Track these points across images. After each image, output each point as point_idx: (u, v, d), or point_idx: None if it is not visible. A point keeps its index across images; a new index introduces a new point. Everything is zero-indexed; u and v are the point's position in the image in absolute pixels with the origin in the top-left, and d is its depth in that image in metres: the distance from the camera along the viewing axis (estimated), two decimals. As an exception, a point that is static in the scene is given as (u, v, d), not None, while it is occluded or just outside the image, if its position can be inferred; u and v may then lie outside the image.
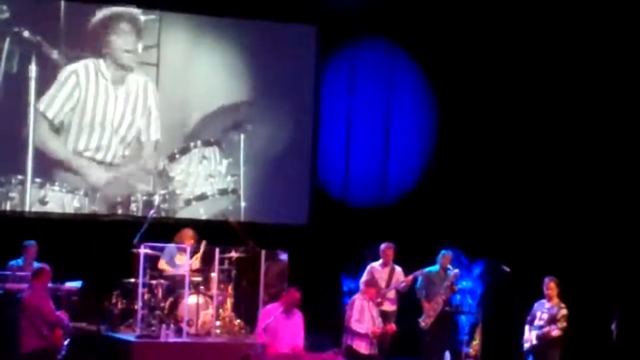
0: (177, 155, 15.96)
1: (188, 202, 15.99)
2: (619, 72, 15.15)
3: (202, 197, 16.06)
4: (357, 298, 12.73)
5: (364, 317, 12.57)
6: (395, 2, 16.16)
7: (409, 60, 16.65)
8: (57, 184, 15.30)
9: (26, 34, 15.06)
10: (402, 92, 16.82)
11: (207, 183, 16.15)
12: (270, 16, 16.07)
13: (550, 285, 12.61)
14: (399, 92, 16.82)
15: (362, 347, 12.55)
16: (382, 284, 13.66)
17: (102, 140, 15.49)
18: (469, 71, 16.20)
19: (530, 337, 12.63)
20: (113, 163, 15.57)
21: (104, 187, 15.54)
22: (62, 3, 15.28)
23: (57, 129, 15.30)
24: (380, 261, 13.86)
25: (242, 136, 16.27)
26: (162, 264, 13.89)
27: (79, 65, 15.41)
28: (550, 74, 15.67)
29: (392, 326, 12.88)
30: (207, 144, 16.14)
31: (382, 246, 13.86)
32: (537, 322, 12.56)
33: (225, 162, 16.24)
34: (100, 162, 15.50)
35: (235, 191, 16.23)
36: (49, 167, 15.28)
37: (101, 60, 15.52)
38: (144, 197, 15.63)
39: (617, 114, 15.19)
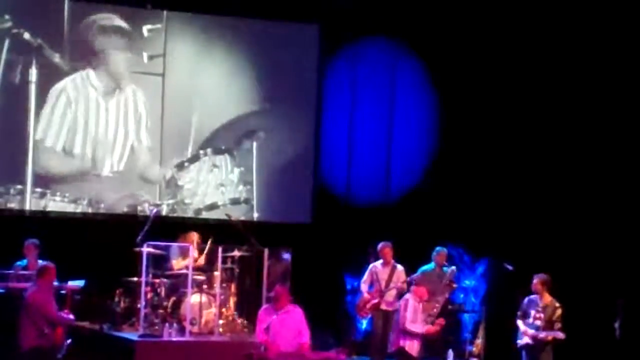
0: (186, 164, 15.86)
1: (198, 212, 15.86)
2: (621, 71, 15.13)
3: (212, 207, 15.93)
4: (409, 298, 12.69)
5: (418, 317, 12.54)
6: (398, 1, 16.16)
7: (411, 58, 16.64)
8: (58, 194, 15.17)
9: (26, 36, 14.95)
10: (404, 91, 16.80)
11: (218, 192, 16.03)
12: (272, 16, 16.06)
13: (534, 282, 12.55)
14: (401, 90, 16.80)
15: (414, 349, 12.52)
16: (383, 284, 13.65)
17: (99, 153, 15.35)
18: (471, 70, 16.18)
19: (525, 333, 12.53)
20: (113, 175, 15.44)
21: (107, 199, 15.46)
22: (66, 7, 15.18)
23: (56, 150, 15.19)
24: (381, 260, 13.83)
25: (254, 144, 16.20)
26: (177, 264, 13.86)
27: (66, 82, 15.22)
28: (553, 72, 15.65)
29: (441, 320, 12.87)
30: (218, 152, 16.01)
31: (380, 246, 13.81)
32: (532, 321, 12.47)
33: (237, 170, 16.15)
34: (100, 175, 15.38)
35: (247, 201, 16.11)
36: (49, 179, 15.16)
37: (91, 71, 15.34)
38: (151, 207, 15.37)
39: (619, 113, 15.17)
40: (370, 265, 13.86)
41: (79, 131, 15.30)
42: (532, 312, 12.49)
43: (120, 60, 15.52)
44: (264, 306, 12.38)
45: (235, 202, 16.06)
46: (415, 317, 12.54)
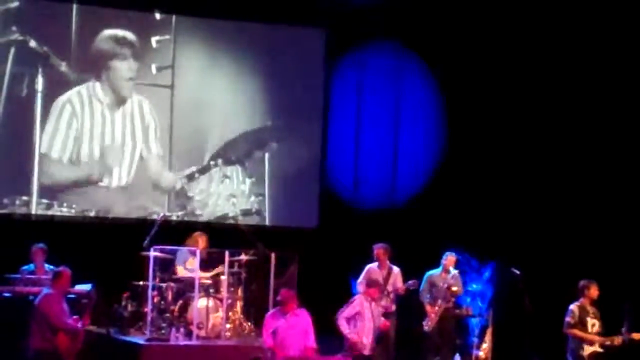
0: (196, 175, 15.81)
1: (208, 224, 15.77)
2: (634, 72, 15.13)
3: (223, 218, 15.89)
4: (357, 298, 12.71)
5: (363, 316, 12.51)
6: (404, 5, 16.18)
7: (418, 63, 16.67)
8: (65, 204, 15.14)
9: (33, 44, 14.90)
10: (411, 95, 16.83)
11: (229, 203, 15.98)
12: (279, 20, 16.07)
13: (591, 288, 12.24)
14: (408, 95, 16.83)
15: (359, 347, 12.57)
16: (379, 285, 13.64)
17: (107, 165, 15.32)
18: (478, 74, 16.20)
19: (593, 341, 12.12)
20: (122, 186, 15.42)
21: (115, 211, 15.42)
22: (74, 15, 15.15)
23: (63, 162, 15.16)
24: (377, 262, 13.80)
25: (266, 155, 16.15)
26: (180, 270, 13.85)
27: (71, 94, 15.19)
28: (561, 76, 15.64)
29: (386, 323, 12.88)
30: (228, 162, 15.96)
31: (374, 247, 13.77)
32: (591, 329, 12.26)
33: (248, 181, 16.09)
34: (109, 187, 15.36)
35: (259, 212, 16.07)
36: (56, 190, 15.11)
37: (96, 83, 15.30)
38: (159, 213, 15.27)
39: (628, 118, 15.15)
40: (366, 267, 13.81)
41: (85, 142, 15.26)
42: (589, 320, 12.25)
43: (127, 71, 15.48)
44: (271, 311, 12.40)
45: (246, 213, 15.98)
46: (359, 316, 12.54)
